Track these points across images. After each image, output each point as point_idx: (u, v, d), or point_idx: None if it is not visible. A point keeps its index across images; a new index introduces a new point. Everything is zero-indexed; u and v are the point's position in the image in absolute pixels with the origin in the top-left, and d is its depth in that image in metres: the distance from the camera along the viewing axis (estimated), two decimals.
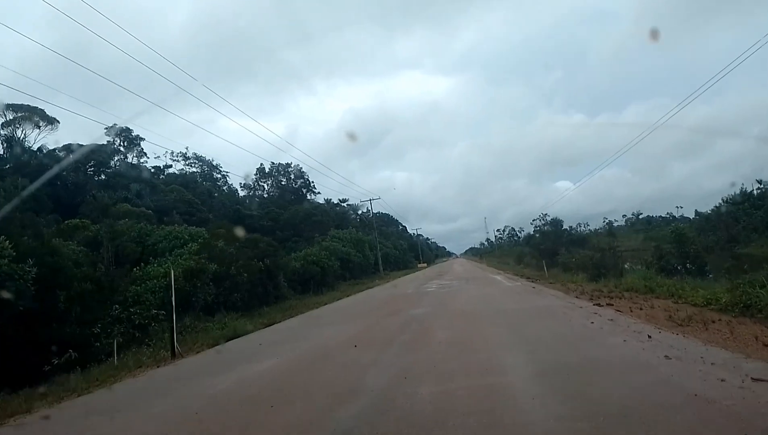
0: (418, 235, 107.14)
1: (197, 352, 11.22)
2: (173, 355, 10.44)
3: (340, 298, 24.49)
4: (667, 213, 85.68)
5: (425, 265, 65.51)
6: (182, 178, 43.07)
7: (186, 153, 50.48)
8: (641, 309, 10.57)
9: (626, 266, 18.83)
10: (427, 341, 9.06)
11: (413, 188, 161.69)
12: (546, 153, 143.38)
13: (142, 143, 41.97)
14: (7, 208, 13.37)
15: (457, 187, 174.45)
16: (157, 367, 9.81)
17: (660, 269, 15.78)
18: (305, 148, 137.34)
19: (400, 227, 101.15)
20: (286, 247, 37.54)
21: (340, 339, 10.47)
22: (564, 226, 42.49)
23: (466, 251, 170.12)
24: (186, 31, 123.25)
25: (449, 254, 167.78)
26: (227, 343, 12.20)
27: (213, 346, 11.86)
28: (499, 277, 29.16)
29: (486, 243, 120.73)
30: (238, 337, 13.23)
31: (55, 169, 25.62)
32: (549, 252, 32.17)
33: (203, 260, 17.65)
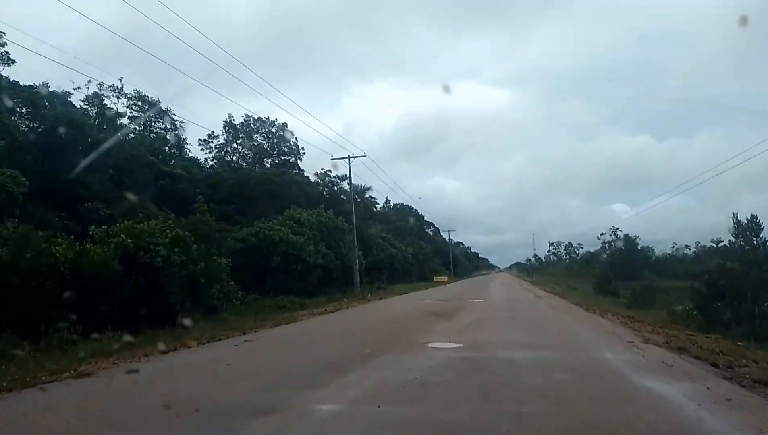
0: (452, 241, 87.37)
1: None
2: None
3: None
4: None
5: (445, 279, 44.71)
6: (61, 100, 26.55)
7: (121, 86, 33.88)
8: None
9: None
10: None
11: (462, 197, 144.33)
12: (605, 173, 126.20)
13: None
14: None
15: (507, 200, 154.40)
16: None
17: None
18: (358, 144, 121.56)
19: (431, 229, 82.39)
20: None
21: None
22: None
23: (510, 266, 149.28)
24: (245, 16, 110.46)
25: (492, 267, 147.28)
26: None
27: None
28: None
29: (533, 259, 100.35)
30: None
31: None
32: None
33: None
